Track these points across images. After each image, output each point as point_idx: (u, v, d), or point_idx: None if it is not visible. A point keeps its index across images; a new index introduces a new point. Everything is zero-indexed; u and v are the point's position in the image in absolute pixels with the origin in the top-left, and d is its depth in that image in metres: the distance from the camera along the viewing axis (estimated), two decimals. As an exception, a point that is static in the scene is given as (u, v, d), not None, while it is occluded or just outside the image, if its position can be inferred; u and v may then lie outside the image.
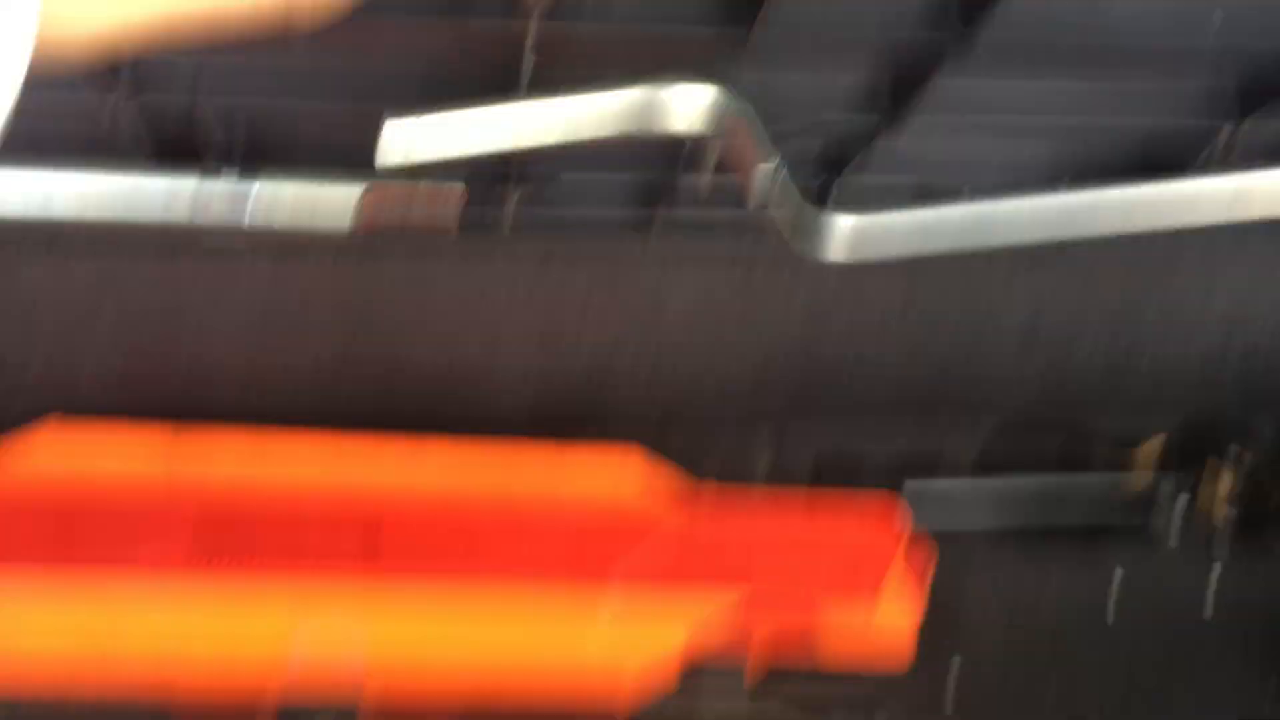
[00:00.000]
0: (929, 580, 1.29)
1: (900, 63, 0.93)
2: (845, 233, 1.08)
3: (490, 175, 1.02)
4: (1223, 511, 1.46)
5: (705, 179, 1.04)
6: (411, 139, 0.83)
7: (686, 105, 0.85)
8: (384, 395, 1.29)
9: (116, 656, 1.10)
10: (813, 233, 1.09)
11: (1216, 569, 1.44)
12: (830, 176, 1.07)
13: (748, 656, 1.23)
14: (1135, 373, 1.38)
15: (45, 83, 0.83)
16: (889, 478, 1.40)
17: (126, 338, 1.16)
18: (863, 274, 1.22)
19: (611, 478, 1.25)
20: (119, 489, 1.13)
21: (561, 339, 1.26)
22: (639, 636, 1.19)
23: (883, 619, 1.25)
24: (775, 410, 1.41)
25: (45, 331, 1.14)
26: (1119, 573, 1.42)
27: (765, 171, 0.93)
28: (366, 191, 0.95)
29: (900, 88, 0.93)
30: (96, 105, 0.86)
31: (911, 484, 1.39)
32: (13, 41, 0.40)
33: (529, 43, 0.80)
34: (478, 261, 1.15)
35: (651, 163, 1.05)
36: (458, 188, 0.97)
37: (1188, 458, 1.48)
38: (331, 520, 1.15)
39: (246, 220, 1.02)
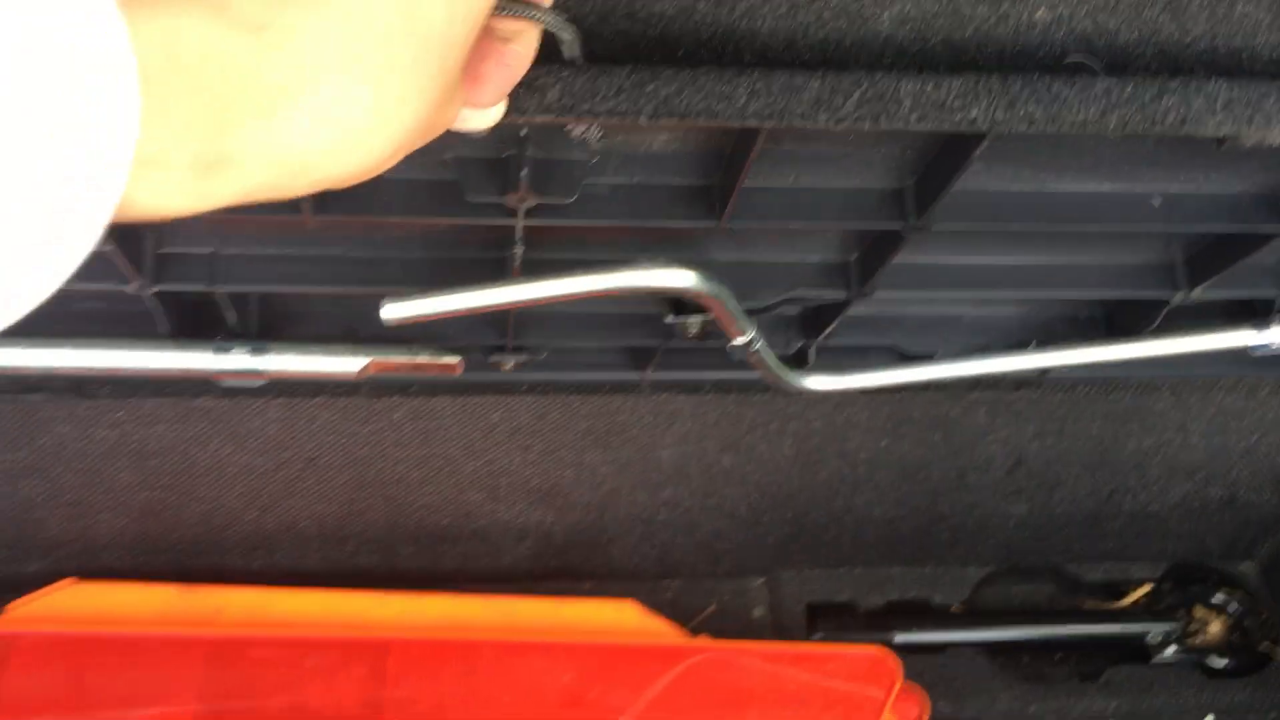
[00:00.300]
0: (922, 729, 1.31)
1: (863, 242, 0.99)
2: (824, 393, 1.13)
3: (488, 346, 1.08)
4: (1213, 656, 1.48)
5: (690, 344, 1.09)
6: (406, 312, 0.89)
7: (666, 286, 0.90)
8: (388, 546, 1.33)
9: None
10: (793, 394, 1.15)
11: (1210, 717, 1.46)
12: (808, 340, 1.12)
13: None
14: (1117, 519, 1.41)
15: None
16: (880, 627, 1.43)
17: (140, 497, 1.22)
18: (847, 429, 1.28)
19: (609, 628, 1.28)
20: (130, 645, 1.16)
21: (558, 493, 1.30)
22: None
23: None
24: (768, 559, 1.45)
25: (66, 488, 1.19)
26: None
27: (743, 343, 0.98)
28: (371, 360, 1.01)
29: (865, 264, 0.99)
30: (120, 290, 0.92)
31: (902, 635, 1.42)
32: (89, 212, 0.41)
33: (517, 234, 0.86)
34: (478, 415, 1.20)
35: (639, 329, 1.11)
36: (455, 358, 1.03)
37: (1175, 605, 1.50)
38: (337, 670, 1.18)
39: (258, 385, 1.09)
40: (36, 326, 0.98)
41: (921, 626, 1.43)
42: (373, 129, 0.49)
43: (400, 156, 0.52)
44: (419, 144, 0.53)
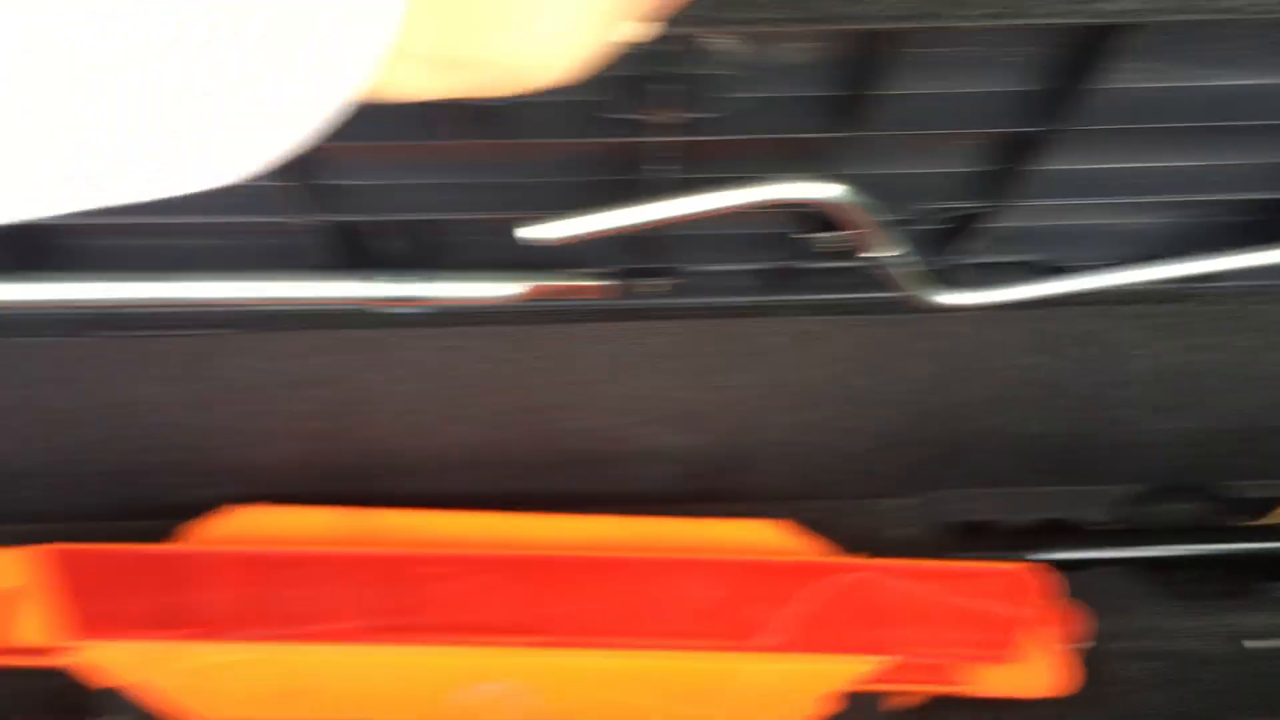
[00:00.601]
0: (1073, 648, 1.30)
1: (1007, 149, 0.98)
2: (965, 309, 1.13)
3: (628, 270, 1.11)
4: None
5: (828, 264, 1.10)
6: (548, 233, 0.91)
7: (810, 198, 0.91)
8: (536, 471, 1.37)
9: (305, 717, 1.20)
10: (933, 312, 1.14)
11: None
12: (948, 255, 1.12)
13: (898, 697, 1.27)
14: (1268, 435, 1.38)
15: (237, 205, 0.95)
16: (1026, 545, 1.43)
17: (299, 427, 1.28)
18: (990, 346, 1.27)
19: (757, 547, 1.30)
20: (297, 563, 1.23)
21: (700, 417, 1.33)
22: (785, 694, 1.23)
23: (1031, 682, 1.27)
24: (911, 479, 1.45)
25: (233, 418, 1.26)
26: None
27: (885, 257, 0.99)
28: (530, 285, 1.04)
29: (1009, 172, 0.98)
30: (282, 223, 0.97)
31: (1048, 553, 1.41)
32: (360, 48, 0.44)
33: (660, 152, 0.88)
34: (623, 341, 1.23)
35: (778, 250, 1.12)
36: (611, 281, 1.06)
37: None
38: (494, 588, 1.23)
39: (417, 313, 1.13)
40: (203, 263, 1.04)
41: (1068, 544, 1.42)
42: (586, 36, 0.51)
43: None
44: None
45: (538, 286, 1.06)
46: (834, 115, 0.89)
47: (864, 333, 1.24)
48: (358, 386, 1.23)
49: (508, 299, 1.06)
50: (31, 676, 1.28)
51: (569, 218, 0.88)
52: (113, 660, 1.20)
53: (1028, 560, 1.29)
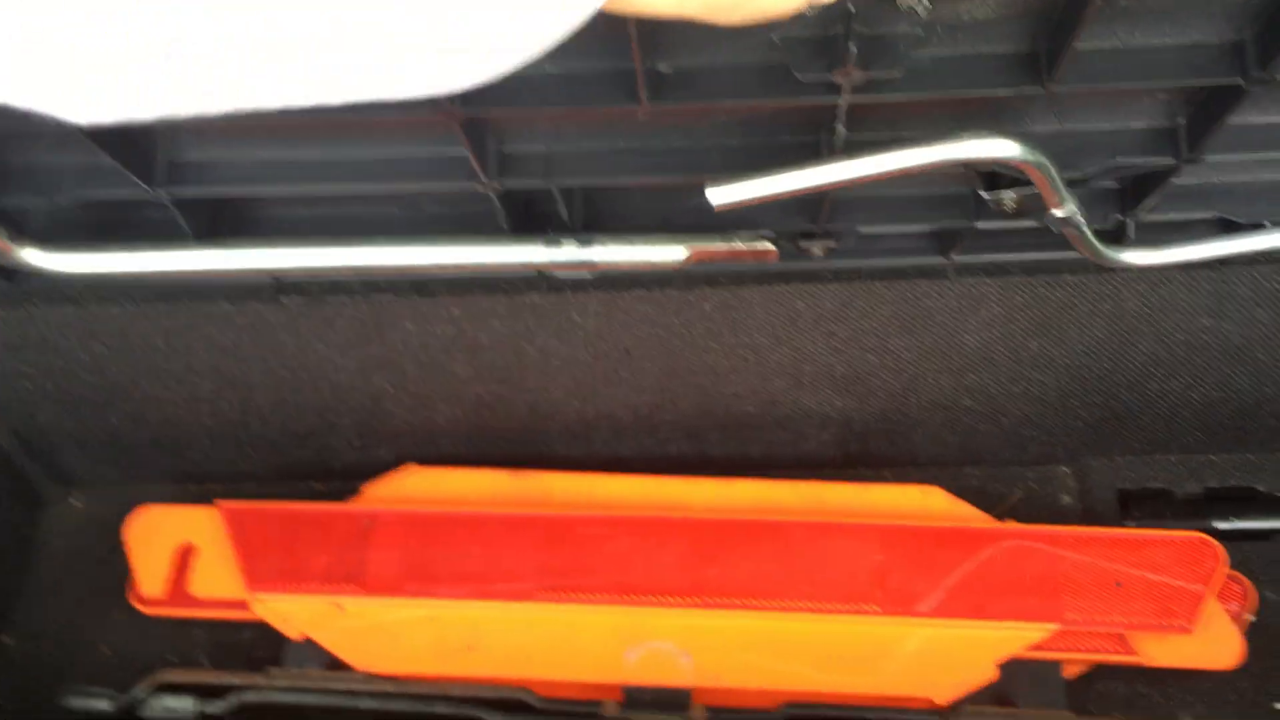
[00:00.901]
0: (1246, 616, 1.27)
1: (1193, 102, 0.95)
2: (1142, 268, 1.10)
3: (797, 233, 1.11)
4: None
5: (998, 225, 1.08)
6: (732, 196, 0.92)
7: (987, 156, 0.90)
8: (697, 433, 1.39)
9: (474, 669, 1.24)
10: (1108, 271, 1.12)
11: None
12: (1127, 214, 1.09)
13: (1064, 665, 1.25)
14: None
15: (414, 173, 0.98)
16: (1198, 514, 1.39)
17: (474, 389, 1.31)
18: (1164, 308, 1.23)
19: (915, 512, 1.30)
20: (470, 523, 1.27)
21: (861, 380, 1.32)
22: (951, 661, 1.22)
23: (1199, 653, 1.24)
24: (1076, 445, 1.42)
25: (409, 380, 1.30)
26: None
27: (1063, 216, 0.97)
28: (693, 250, 1.05)
29: (1195, 126, 0.95)
30: (466, 189, 1.00)
31: (1222, 522, 1.37)
32: None
33: (841, 113, 0.87)
34: (783, 305, 1.23)
35: (947, 211, 1.10)
36: (770, 245, 1.06)
37: None
38: (657, 548, 1.25)
39: (585, 277, 1.15)
40: (383, 229, 1.07)
41: (1244, 514, 1.38)
42: None
43: None
44: None
45: (701, 250, 1.07)
46: (1020, 71, 0.87)
47: (1033, 294, 1.22)
48: (528, 350, 1.26)
49: (673, 264, 1.07)
50: (223, 628, 1.35)
51: (752, 179, 0.89)
52: (296, 614, 1.26)
53: (1198, 530, 1.26)
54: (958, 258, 1.17)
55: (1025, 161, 0.91)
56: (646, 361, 1.28)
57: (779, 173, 0.89)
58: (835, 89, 0.85)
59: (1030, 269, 1.20)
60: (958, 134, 0.89)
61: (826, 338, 1.27)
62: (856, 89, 0.85)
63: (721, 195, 0.90)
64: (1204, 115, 0.95)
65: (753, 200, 0.90)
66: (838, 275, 1.20)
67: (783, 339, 1.27)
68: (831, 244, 1.12)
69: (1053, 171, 0.92)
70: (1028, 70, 0.87)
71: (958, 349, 1.28)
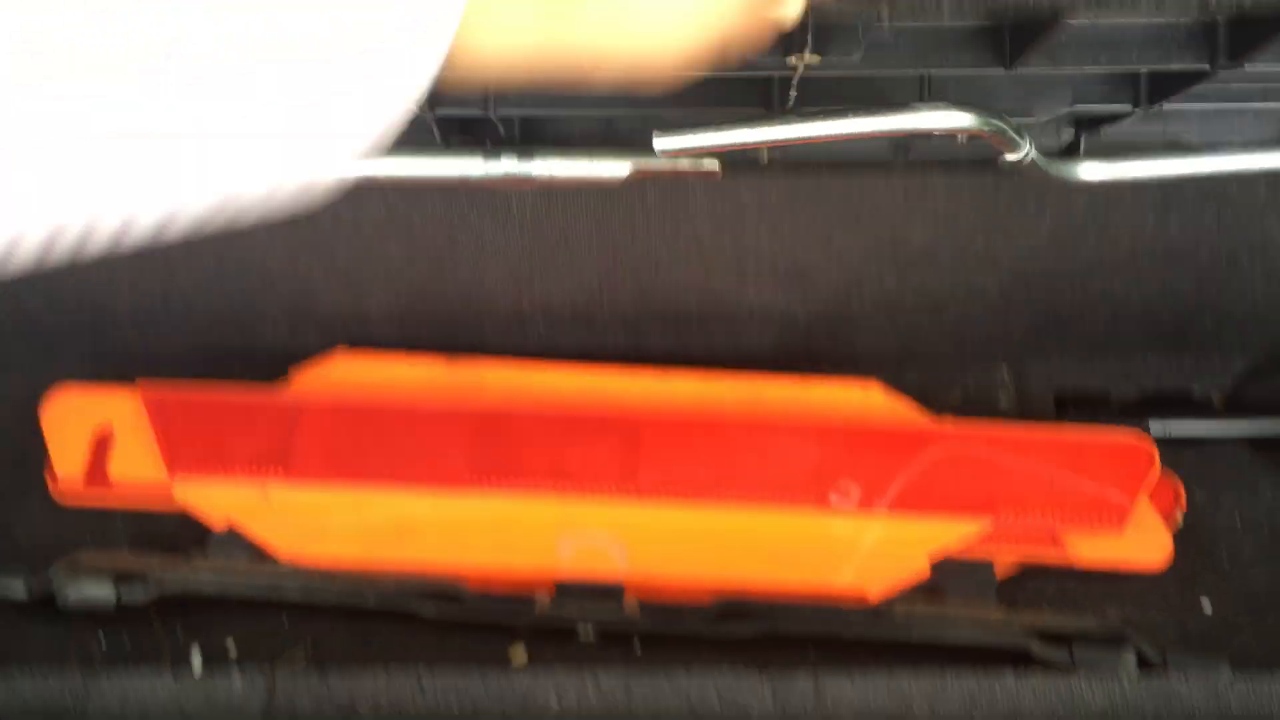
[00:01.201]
0: (1177, 517, 1.28)
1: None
2: (1092, 172, 1.09)
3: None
4: None
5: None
6: (680, 144, 0.90)
7: (944, 127, 0.89)
8: (636, 326, 1.36)
9: (404, 560, 1.22)
10: (1059, 171, 1.10)
11: None
12: (1080, 131, 1.08)
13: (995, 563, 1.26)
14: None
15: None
16: (1133, 417, 1.40)
17: (407, 274, 1.27)
18: (1110, 209, 1.22)
19: (854, 410, 1.29)
20: (402, 411, 1.24)
21: (805, 275, 1.30)
22: (883, 556, 1.23)
23: (1130, 552, 1.26)
24: (1016, 345, 1.42)
25: (340, 261, 1.26)
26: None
27: (1017, 159, 0.96)
28: (635, 169, 1.02)
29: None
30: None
31: (1158, 425, 1.37)
32: (422, 55, 0.48)
33: (794, 81, 0.85)
34: (727, 196, 1.20)
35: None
36: (716, 165, 1.03)
37: None
38: (593, 444, 1.23)
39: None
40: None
41: (1174, 415, 1.38)
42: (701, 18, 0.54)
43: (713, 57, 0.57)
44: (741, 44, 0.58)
45: (645, 167, 1.04)
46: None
47: (980, 192, 1.20)
48: (465, 235, 1.22)
49: (616, 179, 1.04)
50: (145, 519, 1.31)
51: (701, 132, 0.86)
52: (220, 501, 1.23)
53: (1131, 430, 1.26)
54: (904, 155, 1.15)
55: (981, 131, 0.90)
56: (585, 251, 1.25)
57: (729, 128, 0.89)
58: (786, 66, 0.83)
59: (979, 165, 1.18)
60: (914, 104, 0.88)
61: (771, 230, 1.25)
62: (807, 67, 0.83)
63: (669, 143, 0.88)
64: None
65: (700, 151, 0.88)
66: (784, 167, 1.17)
67: (726, 230, 1.24)
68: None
69: (1009, 130, 0.91)
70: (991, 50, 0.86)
71: (903, 245, 1.27)
